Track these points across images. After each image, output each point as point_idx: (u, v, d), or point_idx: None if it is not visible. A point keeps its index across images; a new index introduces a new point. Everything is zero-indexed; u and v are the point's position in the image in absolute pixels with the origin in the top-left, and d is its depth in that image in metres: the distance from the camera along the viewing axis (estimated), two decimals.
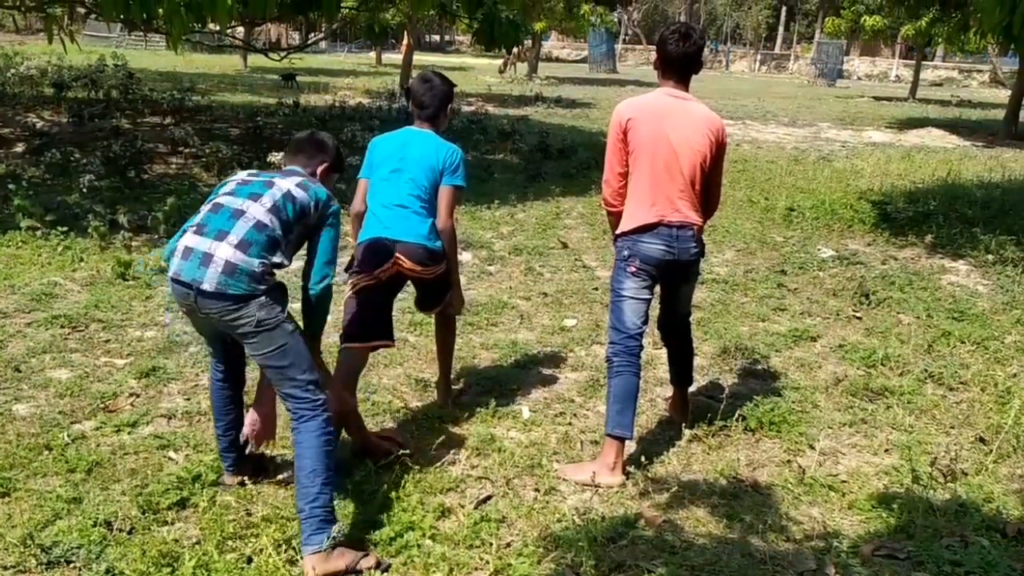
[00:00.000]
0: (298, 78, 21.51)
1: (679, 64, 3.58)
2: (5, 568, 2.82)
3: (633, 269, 3.62)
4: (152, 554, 2.88)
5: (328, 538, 2.80)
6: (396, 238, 3.65)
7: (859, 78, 42.73)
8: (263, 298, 2.84)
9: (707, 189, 3.70)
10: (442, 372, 4.31)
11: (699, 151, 3.56)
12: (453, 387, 4.40)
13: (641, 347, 3.70)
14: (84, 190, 7.82)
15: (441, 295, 3.99)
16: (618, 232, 3.69)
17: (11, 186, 7.60)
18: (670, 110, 3.58)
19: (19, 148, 10.26)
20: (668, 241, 3.58)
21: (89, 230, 6.68)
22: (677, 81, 3.62)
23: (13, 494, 3.28)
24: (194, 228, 2.92)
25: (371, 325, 3.72)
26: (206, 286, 2.80)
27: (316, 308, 3.15)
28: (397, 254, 3.65)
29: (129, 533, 3.04)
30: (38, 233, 6.72)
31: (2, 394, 4.15)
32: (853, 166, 12.01)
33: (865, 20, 24.68)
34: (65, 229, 6.78)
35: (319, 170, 3.23)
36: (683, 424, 4.04)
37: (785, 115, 20.02)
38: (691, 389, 4.55)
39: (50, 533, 3.01)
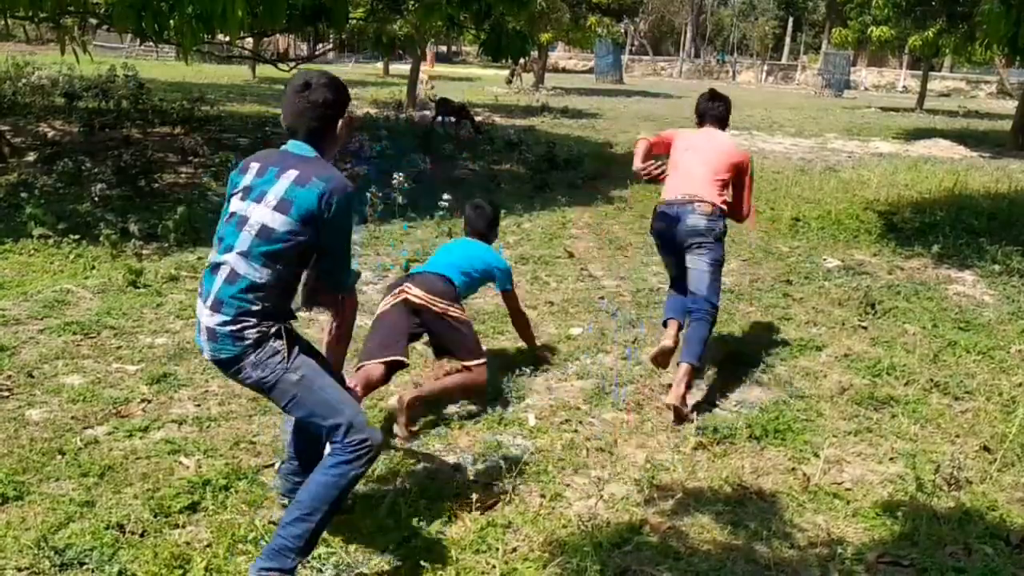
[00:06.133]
0: None
1: (707, 115, 4.89)
2: (19, 570, 2.86)
3: None
4: (164, 556, 2.92)
5: (277, 569, 2.65)
6: (418, 270, 4.41)
7: (866, 89, 42.73)
8: (252, 356, 2.68)
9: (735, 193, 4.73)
10: (421, 394, 4.15)
11: (720, 163, 4.65)
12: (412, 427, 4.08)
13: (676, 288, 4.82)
14: (96, 199, 7.89)
15: (450, 341, 4.24)
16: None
17: (23, 195, 7.69)
18: (703, 133, 4.87)
19: (31, 157, 10.36)
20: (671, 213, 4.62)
21: (100, 238, 6.75)
22: (711, 125, 4.87)
23: (27, 497, 3.33)
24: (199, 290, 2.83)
25: (385, 344, 4.07)
26: (207, 356, 2.76)
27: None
28: (406, 283, 4.24)
29: (141, 536, 3.09)
30: (50, 241, 6.80)
31: (16, 399, 4.20)
32: (859, 176, 12.02)
33: (872, 31, 24.64)
34: (77, 237, 6.85)
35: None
36: (684, 416, 4.16)
37: (791, 126, 20.05)
38: (697, 398, 4.61)
39: (63, 536, 3.06)
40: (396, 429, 4.01)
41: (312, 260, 2.81)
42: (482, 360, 4.27)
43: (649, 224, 4.92)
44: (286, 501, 3.14)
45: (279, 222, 2.66)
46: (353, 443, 2.69)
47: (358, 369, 4.02)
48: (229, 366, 2.73)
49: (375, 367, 4.00)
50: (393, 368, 4.08)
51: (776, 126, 19.93)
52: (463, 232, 4.95)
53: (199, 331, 2.75)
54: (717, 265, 4.55)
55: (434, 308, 4.19)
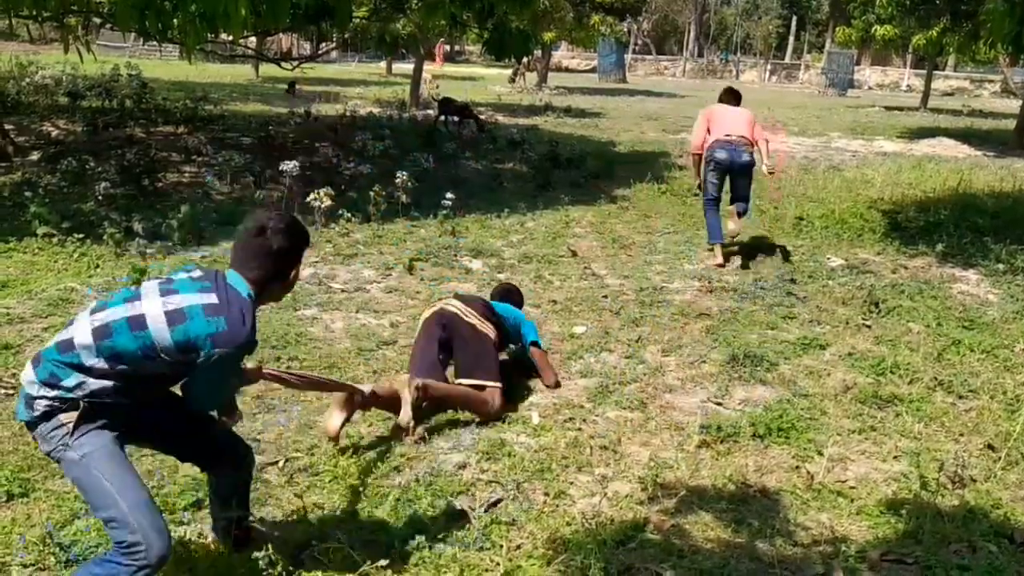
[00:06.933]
0: (309, 88, 21.68)
1: (726, 98, 7.68)
2: (25, 566, 2.88)
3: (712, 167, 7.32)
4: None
5: None
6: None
7: (870, 88, 42.65)
8: (40, 426, 2.45)
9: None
10: (432, 386, 4.11)
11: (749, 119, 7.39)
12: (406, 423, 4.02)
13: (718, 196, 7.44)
14: (99, 198, 7.90)
15: (473, 354, 4.30)
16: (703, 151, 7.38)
17: (28, 194, 7.70)
18: (726, 108, 7.53)
19: (35, 156, 10.38)
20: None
21: (104, 237, 6.76)
22: (729, 102, 7.61)
23: (32, 495, 3.35)
24: None
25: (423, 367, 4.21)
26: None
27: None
28: (449, 298, 4.57)
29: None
30: (55, 240, 6.81)
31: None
32: (863, 175, 12.00)
33: (876, 30, 24.59)
34: (81, 236, 6.86)
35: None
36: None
37: (795, 125, 20.00)
38: (702, 397, 4.63)
39: (68, 532, 3.08)
40: (400, 420, 3.99)
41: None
42: (498, 384, 4.25)
43: (709, 156, 7.27)
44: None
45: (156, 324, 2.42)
46: (123, 544, 2.38)
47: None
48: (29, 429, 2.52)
49: (415, 382, 4.00)
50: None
51: (779, 125, 19.90)
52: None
53: None
54: (751, 180, 7.47)
55: (465, 318, 4.37)
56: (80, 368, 2.41)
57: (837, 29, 32.15)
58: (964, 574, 3.05)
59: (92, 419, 2.45)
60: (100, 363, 2.41)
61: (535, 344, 4.76)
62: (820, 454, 3.94)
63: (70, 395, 2.41)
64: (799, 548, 3.23)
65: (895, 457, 4.00)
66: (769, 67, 48.76)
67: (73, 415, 2.42)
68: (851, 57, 37.33)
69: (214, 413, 2.79)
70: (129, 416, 2.53)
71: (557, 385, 4.69)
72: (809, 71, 45.48)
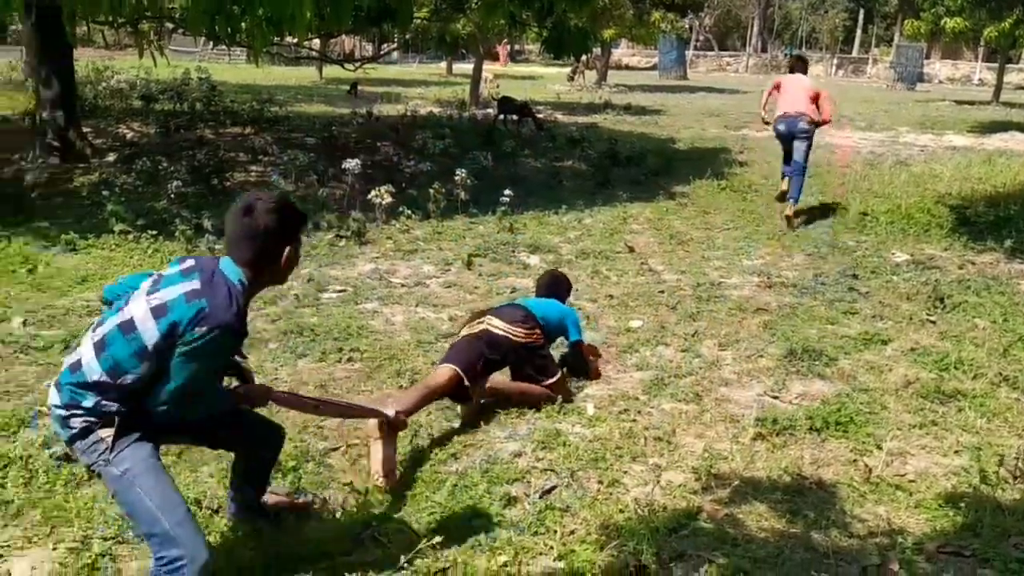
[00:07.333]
0: (371, 89, 22.03)
1: (793, 69, 9.29)
2: (105, 539, 3.04)
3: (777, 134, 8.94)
4: (236, 530, 3.07)
5: None
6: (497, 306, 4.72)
7: (940, 82, 41.50)
8: (79, 442, 2.50)
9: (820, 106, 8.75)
10: (498, 387, 4.30)
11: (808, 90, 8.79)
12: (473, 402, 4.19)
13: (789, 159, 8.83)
14: (171, 196, 8.19)
15: (532, 368, 4.34)
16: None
17: (105, 193, 8.02)
18: (792, 77, 9.07)
19: (111, 158, 10.78)
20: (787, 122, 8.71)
21: (176, 234, 7.02)
22: (795, 72, 9.17)
23: None
24: None
25: (459, 358, 4.16)
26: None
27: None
28: (487, 316, 4.40)
29: (216, 512, 3.24)
30: (130, 236, 7.09)
31: None
32: (931, 170, 11.73)
33: (945, 22, 23.95)
34: (154, 233, 7.14)
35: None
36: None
37: (862, 120, 19.60)
38: (758, 390, 4.63)
39: None
40: (460, 411, 4.09)
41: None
42: (559, 376, 4.40)
43: (773, 127, 8.88)
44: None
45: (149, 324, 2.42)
46: (164, 560, 2.41)
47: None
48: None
49: (444, 370, 4.07)
50: (458, 386, 4.07)
51: (845, 120, 19.50)
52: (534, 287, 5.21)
53: None
54: (808, 147, 8.75)
55: (514, 339, 4.28)
56: (91, 387, 2.44)
57: (906, 22, 31.37)
58: (1023, 567, 3.02)
59: (129, 431, 2.48)
60: (104, 378, 2.43)
61: (578, 343, 4.71)
62: (879, 448, 3.91)
63: (100, 411, 2.45)
64: (855, 539, 3.22)
65: (956, 452, 3.94)
66: (835, 61, 47.78)
67: (110, 431, 2.45)
68: (920, 51, 36.35)
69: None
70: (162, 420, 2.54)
71: (598, 375, 4.78)
72: (877, 65, 44.48)
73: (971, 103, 26.14)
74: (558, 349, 4.83)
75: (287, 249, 2.58)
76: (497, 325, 4.30)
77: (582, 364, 4.77)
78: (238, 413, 2.87)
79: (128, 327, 2.43)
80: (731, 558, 3.06)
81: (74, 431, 2.47)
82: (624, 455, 3.86)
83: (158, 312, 2.41)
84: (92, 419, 2.45)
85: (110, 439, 2.45)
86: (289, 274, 2.71)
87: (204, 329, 2.37)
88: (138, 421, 2.49)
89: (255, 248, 2.52)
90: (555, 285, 5.00)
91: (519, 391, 4.34)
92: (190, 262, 2.57)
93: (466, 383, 4.06)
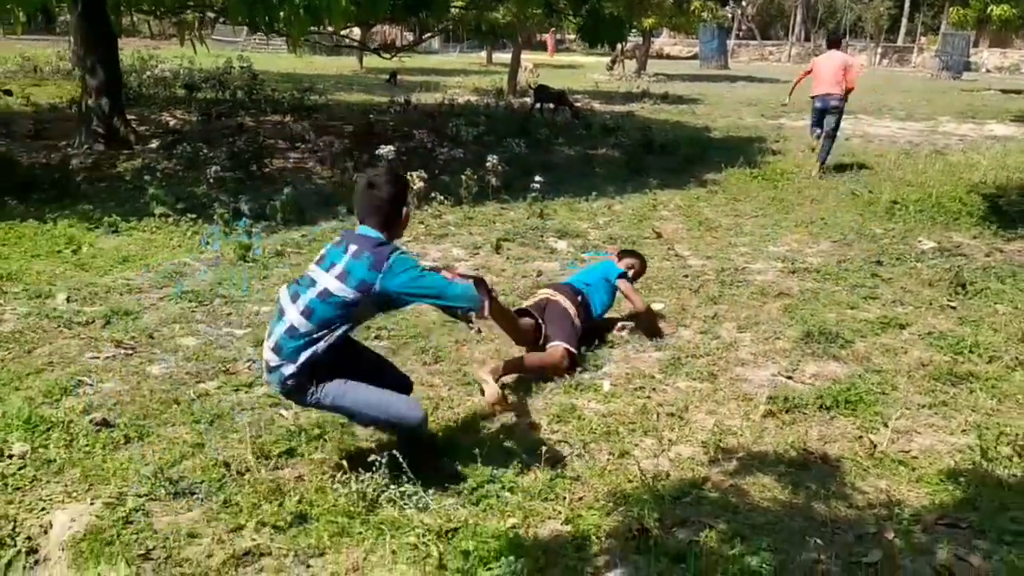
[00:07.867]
0: (410, 78, 22.29)
1: (828, 44, 11.45)
2: (139, 496, 3.26)
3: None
4: (262, 490, 3.27)
5: None
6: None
7: (988, 71, 40.65)
8: (294, 394, 3.30)
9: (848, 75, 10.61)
10: (506, 367, 4.42)
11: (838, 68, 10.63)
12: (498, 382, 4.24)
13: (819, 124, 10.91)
14: (211, 181, 8.46)
15: (557, 326, 4.70)
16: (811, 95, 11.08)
17: (147, 178, 8.31)
18: (826, 55, 10.96)
19: (154, 144, 11.12)
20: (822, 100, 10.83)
21: (215, 217, 7.27)
22: (831, 48, 11.09)
23: (146, 438, 3.75)
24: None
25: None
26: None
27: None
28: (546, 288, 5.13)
29: (244, 473, 3.44)
30: (170, 219, 7.37)
31: (138, 356, 4.67)
32: (968, 159, 11.63)
33: (993, 10, 23.42)
34: (194, 216, 7.41)
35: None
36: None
37: (902, 109, 19.38)
38: (772, 371, 4.72)
39: (177, 470, 3.46)
40: (486, 390, 4.26)
41: (371, 316, 3.45)
42: (565, 346, 4.58)
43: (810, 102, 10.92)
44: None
45: (337, 288, 3.16)
46: (392, 426, 3.37)
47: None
48: (282, 393, 3.33)
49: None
50: (540, 333, 4.66)
51: (885, 109, 19.32)
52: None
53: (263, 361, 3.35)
54: (838, 119, 10.73)
55: (555, 299, 4.85)
56: (309, 341, 3.16)
57: (952, 10, 30.79)
58: (1018, 539, 3.09)
59: (322, 375, 3.23)
60: (317, 330, 3.16)
61: (622, 276, 5.23)
62: (885, 425, 3.99)
63: (306, 363, 3.16)
64: (854, 510, 3.33)
65: (963, 431, 4.02)
66: (880, 50, 46.99)
67: (314, 381, 3.22)
68: (967, 39, 35.65)
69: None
70: (336, 364, 3.27)
71: (649, 311, 5.27)
72: (923, 54, 43.66)
73: (1018, 92, 25.63)
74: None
75: (404, 209, 3.35)
76: (546, 292, 4.99)
77: (628, 295, 5.20)
78: (383, 366, 3.65)
79: (326, 294, 3.16)
80: (731, 524, 3.19)
81: (290, 384, 3.20)
82: (636, 429, 3.99)
83: (344, 277, 3.16)
84: (303, 373, 3.18)
85: (315, 382, 3.23)
86: (405, 229, 3.45)
87: (384, 263, 3.13)
88: (328, 366, 3.24)
89: (384, 212, 3.28)
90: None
91: (528, 364, 4.51)
92: (337, 238, 3.36)
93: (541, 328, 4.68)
